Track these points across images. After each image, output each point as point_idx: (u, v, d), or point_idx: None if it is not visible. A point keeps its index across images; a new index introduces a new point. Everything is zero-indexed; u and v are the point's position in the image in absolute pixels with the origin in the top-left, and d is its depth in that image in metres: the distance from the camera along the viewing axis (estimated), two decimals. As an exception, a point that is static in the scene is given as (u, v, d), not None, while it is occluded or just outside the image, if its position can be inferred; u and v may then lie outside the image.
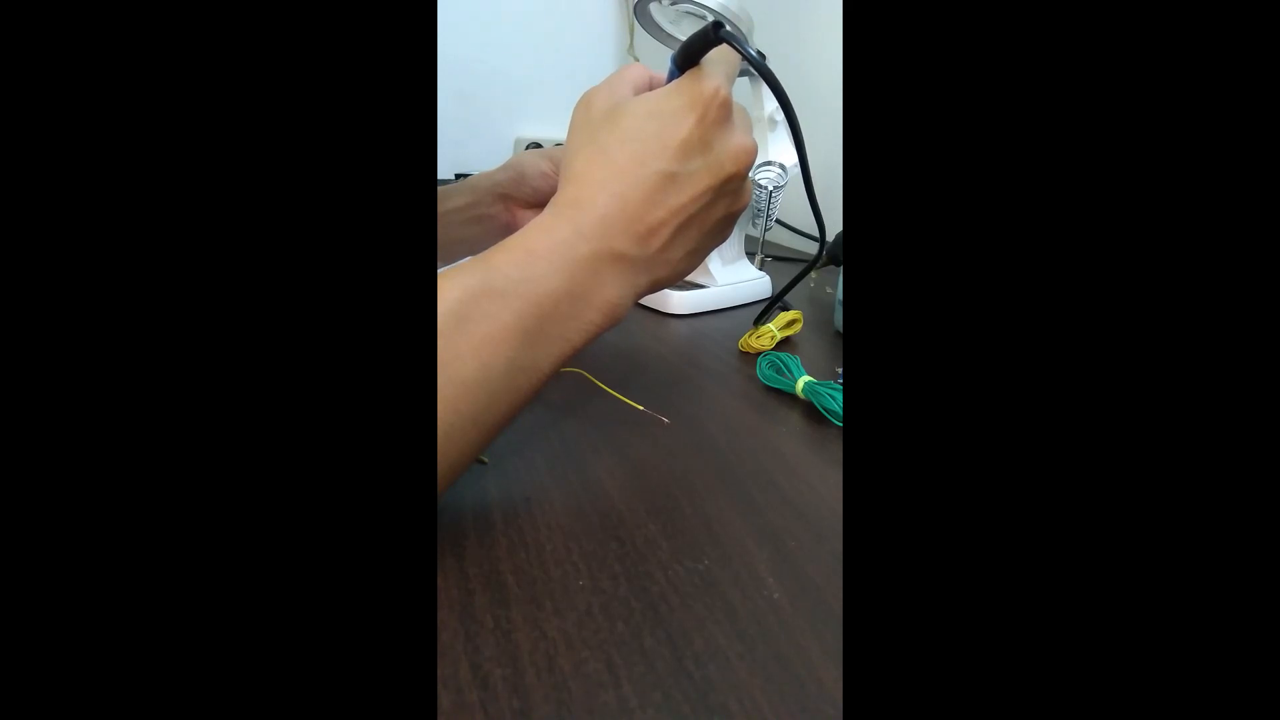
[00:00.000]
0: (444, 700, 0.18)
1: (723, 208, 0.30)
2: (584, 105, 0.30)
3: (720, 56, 0.28)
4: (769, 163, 0.54)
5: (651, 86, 0.31)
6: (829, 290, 0.64)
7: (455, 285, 0.25)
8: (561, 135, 1.10)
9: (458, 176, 0.95)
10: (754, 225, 0.58)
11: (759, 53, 0.28)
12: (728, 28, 0.27)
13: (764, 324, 0.48)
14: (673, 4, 0.45)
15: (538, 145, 1.07)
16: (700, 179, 0.28)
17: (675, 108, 0.28)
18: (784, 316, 0.48)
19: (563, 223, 0.27)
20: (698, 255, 0.30)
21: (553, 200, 0.28)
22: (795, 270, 0.51)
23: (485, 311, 0.24)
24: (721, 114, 0.28)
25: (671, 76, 0.30)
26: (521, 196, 0.50)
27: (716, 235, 0.31)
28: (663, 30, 0.51)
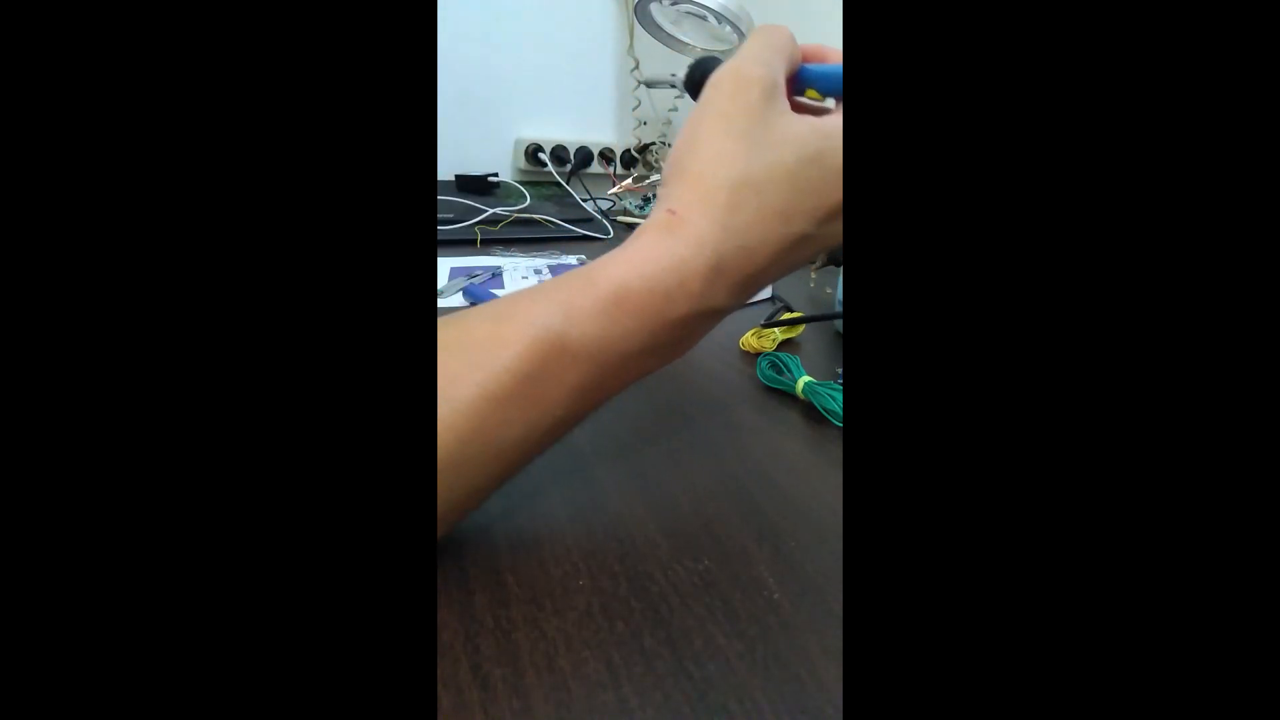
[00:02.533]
0: (444, 700, 0.18)
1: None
2: (742, 82, 0.24)
3: None
4: None
5: (794, 62, 0.27)
6: (829, 290, 0.64)
7: (524, 336, 0.21)
8: (560, 136, 1.11)
9: (458, 178, 0.95)
10: None
11: None
12: None
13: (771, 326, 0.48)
14: (673, 4, 0.45)
15: (539, 147, 1.07)
16: (824, 241, 0.24)
17: (841, 164, 0.23)
18: (786, 317, 0.48)
19: (669, 272, 0.22)
20: None
21: (667, 222, 0.23)
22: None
23: (549, 373, 0.21)
24: None
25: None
26: None
27: None
28: (663, 30, 0.51)
